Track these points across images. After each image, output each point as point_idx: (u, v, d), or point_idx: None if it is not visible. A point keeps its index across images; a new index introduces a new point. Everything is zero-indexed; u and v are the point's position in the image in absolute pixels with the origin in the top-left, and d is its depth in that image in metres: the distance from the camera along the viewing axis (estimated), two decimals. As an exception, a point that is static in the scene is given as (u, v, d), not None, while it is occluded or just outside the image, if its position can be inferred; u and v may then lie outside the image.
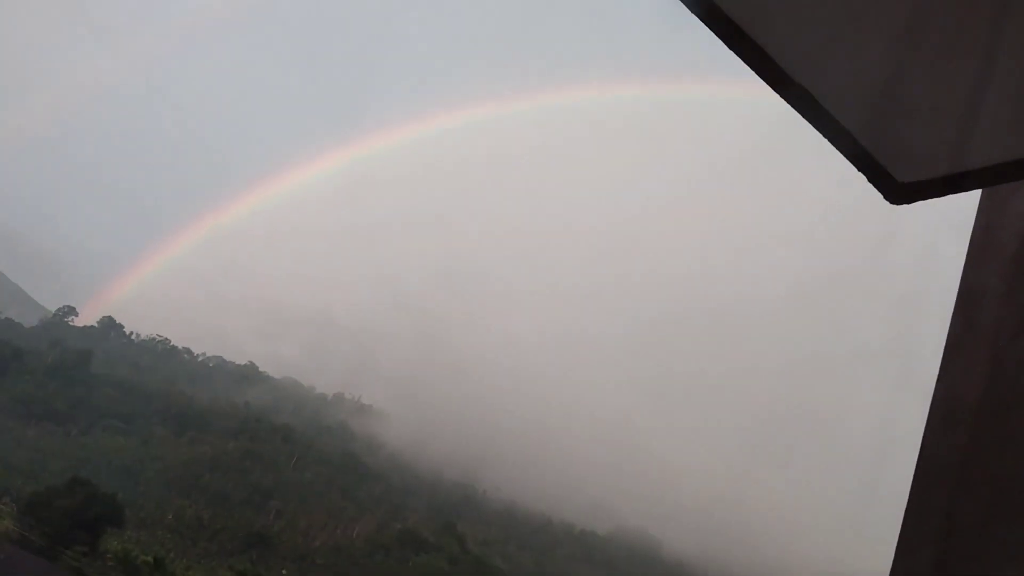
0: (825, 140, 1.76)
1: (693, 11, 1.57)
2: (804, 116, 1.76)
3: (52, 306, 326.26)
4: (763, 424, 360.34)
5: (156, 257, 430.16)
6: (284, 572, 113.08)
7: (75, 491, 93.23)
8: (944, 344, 1.84)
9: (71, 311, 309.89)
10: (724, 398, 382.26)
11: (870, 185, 1.84)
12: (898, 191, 1.85)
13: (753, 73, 1.66)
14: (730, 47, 1.69)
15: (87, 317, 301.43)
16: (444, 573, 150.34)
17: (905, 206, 1.87)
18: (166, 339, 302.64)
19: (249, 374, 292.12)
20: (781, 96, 1.72)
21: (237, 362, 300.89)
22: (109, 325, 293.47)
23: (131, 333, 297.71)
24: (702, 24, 1.61)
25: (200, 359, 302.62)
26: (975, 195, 2.28)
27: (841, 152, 1.81)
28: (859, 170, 1.83)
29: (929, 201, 1.85)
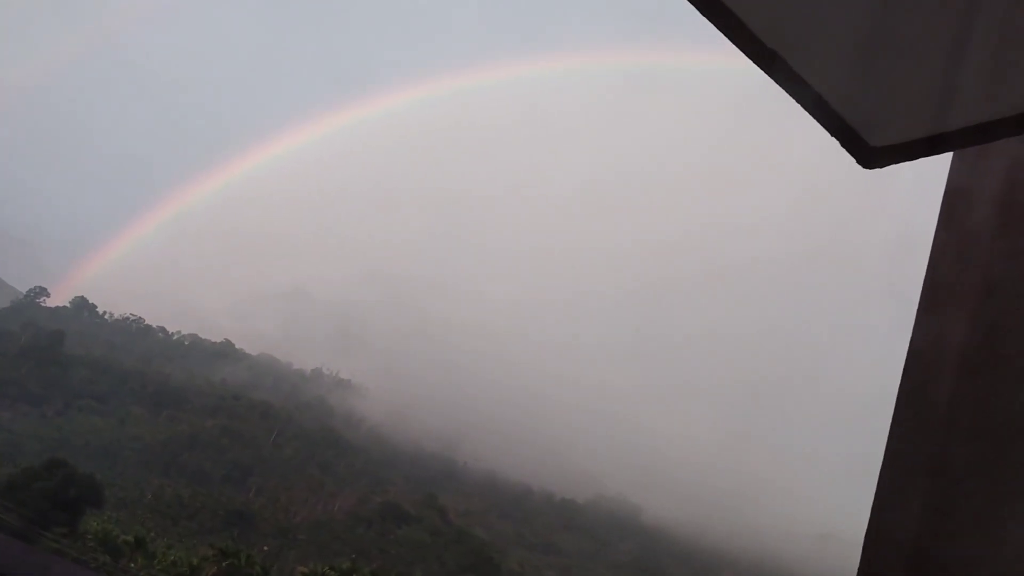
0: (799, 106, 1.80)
1: (670, -20, 1.95)
2: (777, 82, 1.77)
3: (23, 287, 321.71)
4: (745, 390, 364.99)
5: (127, 236, 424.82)
6: (266, 548, 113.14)
7: (53, 472, 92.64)
8: (916, 306, 1.90)
9: (43, 292, 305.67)
10: (705, 365, 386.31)
11: (843, 151, 1.86)
12: (871, 155, 1.87)
13: (726, 40, 1.67)
14: (705, 15, 1.70)
15: (59, 298, 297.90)
16: (426, 545, 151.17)
17: (879, 170, 1.89)
18: (140, 318, 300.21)
19: (225, 351, 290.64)
20: (754, 62, 1.73)
21: (213, 339, 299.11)
22: (81, 305, 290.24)
23: (104, 313, 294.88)
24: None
25: (175, 337, 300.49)
26: (946, 157, 2.34)
27: (814, 117, 1.84)
28: (832, 135, 1.85)
29: (901, 164, 1.87)
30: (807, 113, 1.81)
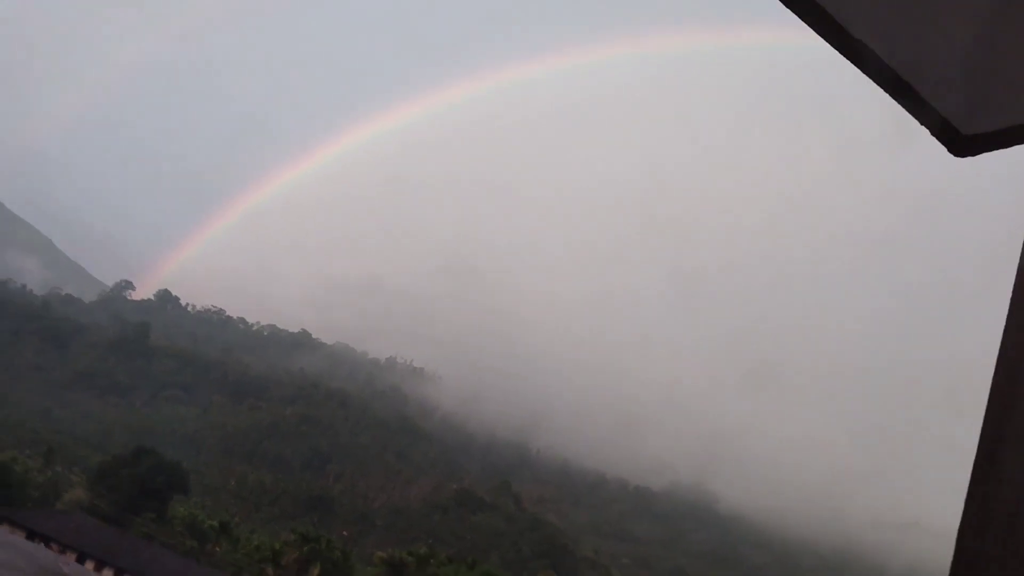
0: (879, 91, 1.74)
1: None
2: (866, 72, 1.73)
3: (110, 281, 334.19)
4: (827, 379, 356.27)
5: (208, 231, 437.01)
6: (345, 533, 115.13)
7: (141, 460, 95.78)
8: (1010, 299, 1.71)
9: (128, 285, 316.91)
10: (783, 354, 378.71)
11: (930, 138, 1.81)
12: (962, 143, 1.83)
13: (805, 25, 1.65)
14: (788, 6, 1.67)
15: (144, 291, 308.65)
16: (501, 531, 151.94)
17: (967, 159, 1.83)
18: (221, 310, 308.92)
19: (303, 341, 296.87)
20: (840, 52, 1.69)
21: (290, 330, 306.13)
22: (165, 298, 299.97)
23: (187, 305, 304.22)
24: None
25: (255, 328, 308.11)
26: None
27: (904, 106, 1.79)
28: (922, 123, 1.81)
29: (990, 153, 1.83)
30: (894, 101, 1.75)
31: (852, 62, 1.71)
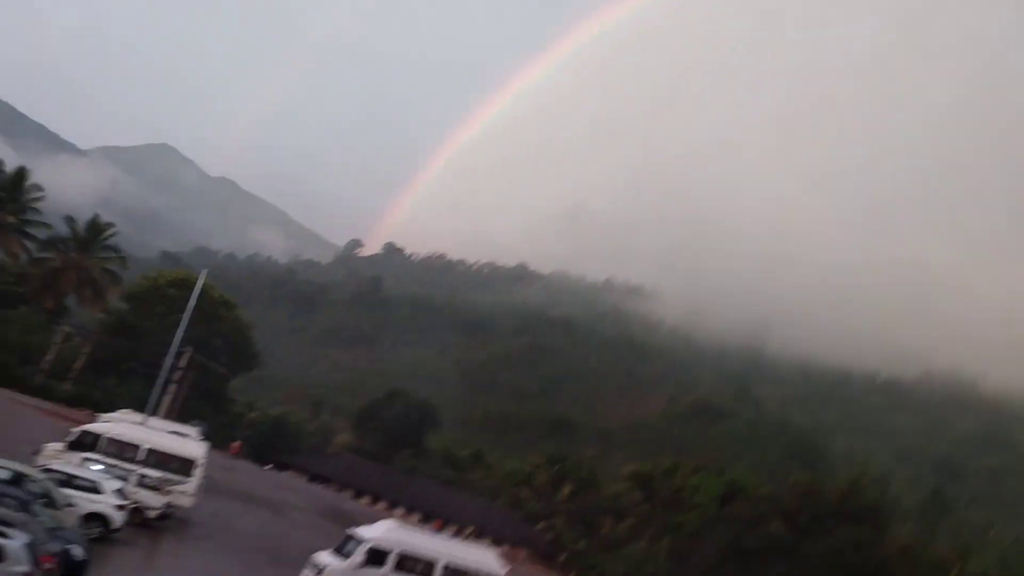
0: None
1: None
2: None
3: (341, 242, 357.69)
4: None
5: (420, 181, 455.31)
6: (590, 453, 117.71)
7: (394, 401, 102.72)
8: None
9: (357, 244, 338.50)
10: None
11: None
12: None
13: None
14: None
15: (372, 247, 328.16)
16: (744, 438, 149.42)
17: None
18: (442, 254, 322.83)
19: (521, 274, 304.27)
20: None
21: (508, 264, 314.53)
22: (391, 250, 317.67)
23: (411, 254, 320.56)
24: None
25: (475, 268, 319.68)
26: None
27: None
28: None
29: None
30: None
31: None
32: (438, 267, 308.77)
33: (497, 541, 68.50)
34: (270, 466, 74.05)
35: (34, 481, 22.04)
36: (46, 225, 68.31)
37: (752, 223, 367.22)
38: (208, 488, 34.02)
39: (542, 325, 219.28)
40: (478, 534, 72.33)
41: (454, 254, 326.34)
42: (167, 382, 58.79)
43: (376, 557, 24.70)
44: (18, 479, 21.63)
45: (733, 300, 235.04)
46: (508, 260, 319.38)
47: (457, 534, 64.19)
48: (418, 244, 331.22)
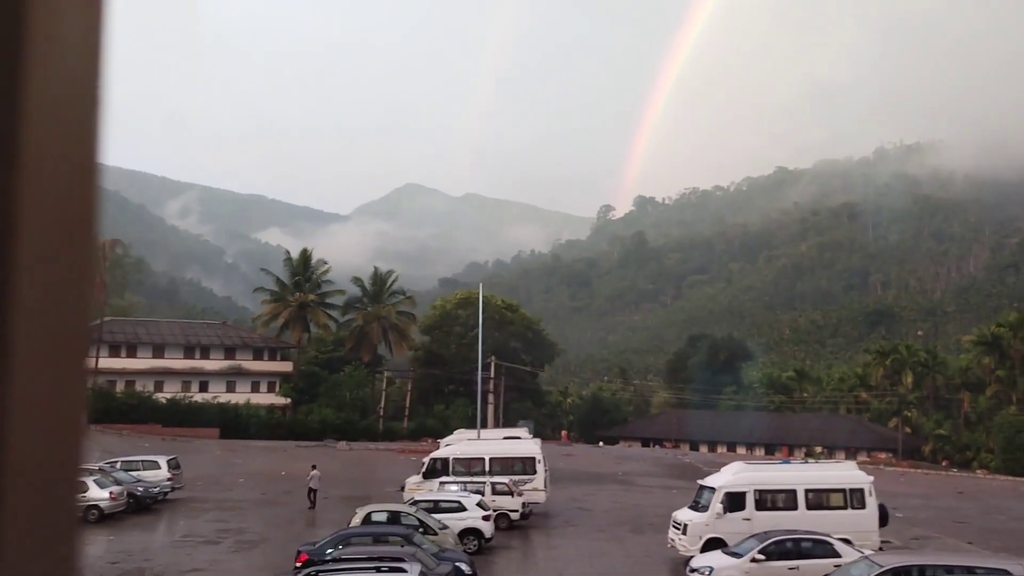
0: None
1: None
2: None
3: (592, 213, 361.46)
4: None
5: (646, 126, 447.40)
6: (919, 333, 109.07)
7: (698, 346, 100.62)
8: None
9: (609, 208, 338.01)
10: None
11: None
12: None
13: None
14: None
15: (623, 206, 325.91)
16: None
17: None
18: (694, 187, 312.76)
19: (783, 177, 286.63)
20: None
21: (766, 173, 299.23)
22: (643, 202, 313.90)
23: (663, 199, 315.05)
24: None
25: (731, 188, 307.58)
26: None
27: None
28: None
29: None
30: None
31: None
32: (694, 202, 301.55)
33: (851, 452, 65.37)
34: (601, 443, 76.17)
35: (407, 515, 24.21)
36: (340, 292, 75.55)
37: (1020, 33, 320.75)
38: (555, 478, 35.44)
39: (824, 221, 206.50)
40: (828, 451, 69.48)
41: (706, 183, 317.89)
42: (484, 394, 62.39)
43: (734, 501, 24.26)
44: (395, 517, 23.87)
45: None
46: (764, 169, 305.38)
47: (806, 457, 61.97)
48: (667, 187, 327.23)
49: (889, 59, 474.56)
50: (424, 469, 32.79)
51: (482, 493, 28.81)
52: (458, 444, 36.16)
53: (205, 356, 72.90)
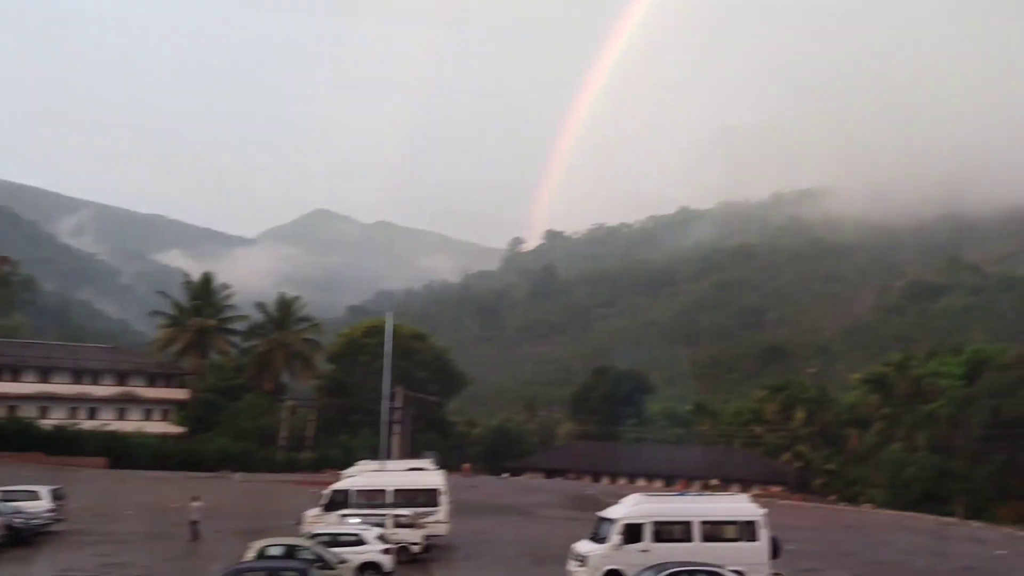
0: None
1: None
2: None
3: (503, 244, 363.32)
4: None
5: (556, 161, 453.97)
6: (811, 371, 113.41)
7: (602, 378, 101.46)
8: None
9: (519, 241, 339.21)
10: None
11: None
12: None
13: None
14: None
15: (533, 239, 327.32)
16: (971, 306, 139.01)
17: None
18: (601, 223, 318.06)
19: (686, 217, 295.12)
20: None
21: (669, 212, 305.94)
22: (553, 236, 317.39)
23: (572, 234, 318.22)
24: None
25: (637, 225, 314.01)
26: None
27: None
28: None
29: None
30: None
31: None
32: (602, 237, 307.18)
33: (745, 485, 67.18)
34: (506, 474, 76.16)
35: (305, 549, 23.66)
36: (243, 317, 73.77)
37: (909, 85, 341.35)
38: (458, 510, 35.31)
39: (722, 260, 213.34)
40: (723, 483, 71.25)
41: (613, 219, 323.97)
42: (390, 424, 61.72)
43: (632, 533, 24.67)
44: (291, 551, 23.29)
45: (915, 171, 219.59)
46: (668, 208, 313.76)
47: (703, 489, 63.42)
48: (576, 222, 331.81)
49: (787, 107, 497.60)
50: (324, 502, 32.18)
51: (383, 526, 28.47)
52: (360, 476, 35.63)
53: (95, 381, 69.80)
